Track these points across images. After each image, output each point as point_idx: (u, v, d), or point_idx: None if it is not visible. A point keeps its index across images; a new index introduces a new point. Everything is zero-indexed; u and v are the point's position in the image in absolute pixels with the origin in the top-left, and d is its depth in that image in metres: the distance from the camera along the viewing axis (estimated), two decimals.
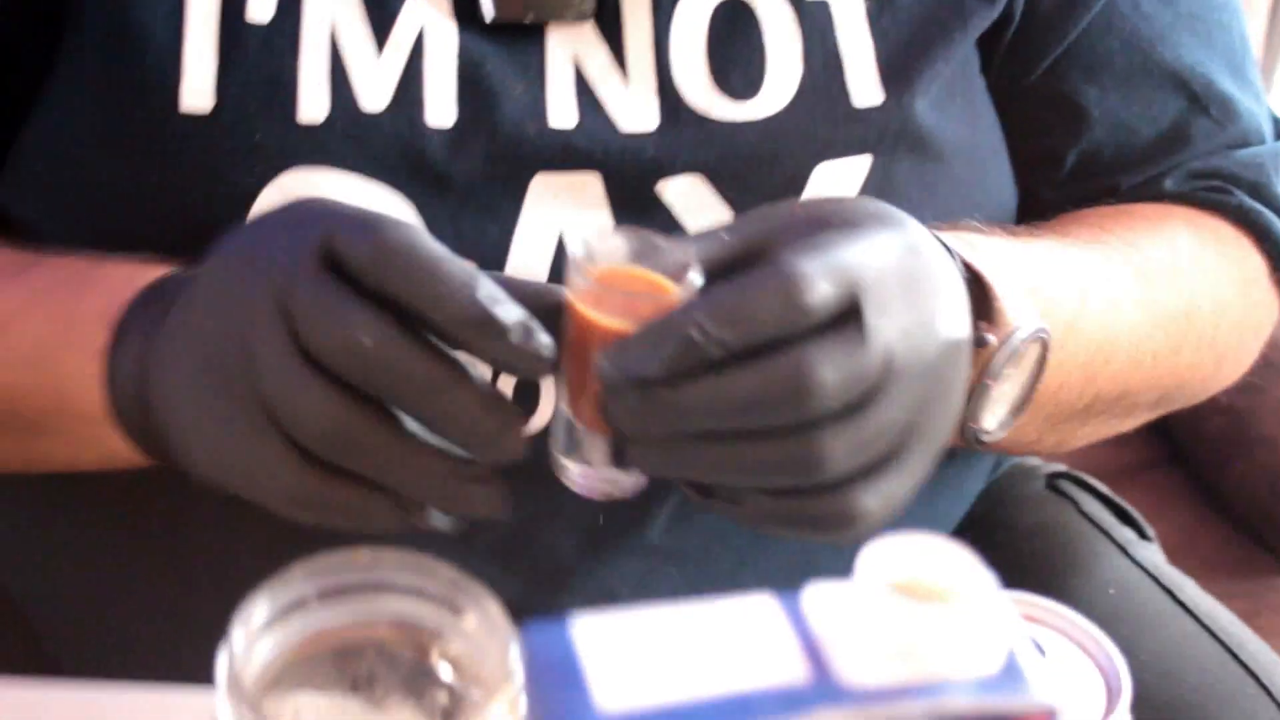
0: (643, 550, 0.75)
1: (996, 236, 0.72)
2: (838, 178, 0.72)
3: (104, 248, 0.69)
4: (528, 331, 0.57)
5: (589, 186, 0.71)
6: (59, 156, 0.73)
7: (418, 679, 0.55)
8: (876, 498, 0.59)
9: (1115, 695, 0.58)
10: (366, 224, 0.57)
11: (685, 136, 0.71)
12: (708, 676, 0.41)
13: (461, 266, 0.57)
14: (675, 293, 0.59)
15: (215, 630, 0.60)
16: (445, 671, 0.55)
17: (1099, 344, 0.75)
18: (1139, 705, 0.58)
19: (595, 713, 0.40)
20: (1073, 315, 0.73)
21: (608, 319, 0.59)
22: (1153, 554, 0.89)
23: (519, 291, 0.58)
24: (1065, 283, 0.74)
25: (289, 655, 0.53)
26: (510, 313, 0.57)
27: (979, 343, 0.65)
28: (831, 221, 0.60)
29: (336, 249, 0.57)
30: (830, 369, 0.56)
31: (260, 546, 0.66)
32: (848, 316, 0.57)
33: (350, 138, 0.69)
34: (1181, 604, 0.85)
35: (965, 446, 0.68)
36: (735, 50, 0.73)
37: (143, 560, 0.79)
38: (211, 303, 0.59)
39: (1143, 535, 0.91)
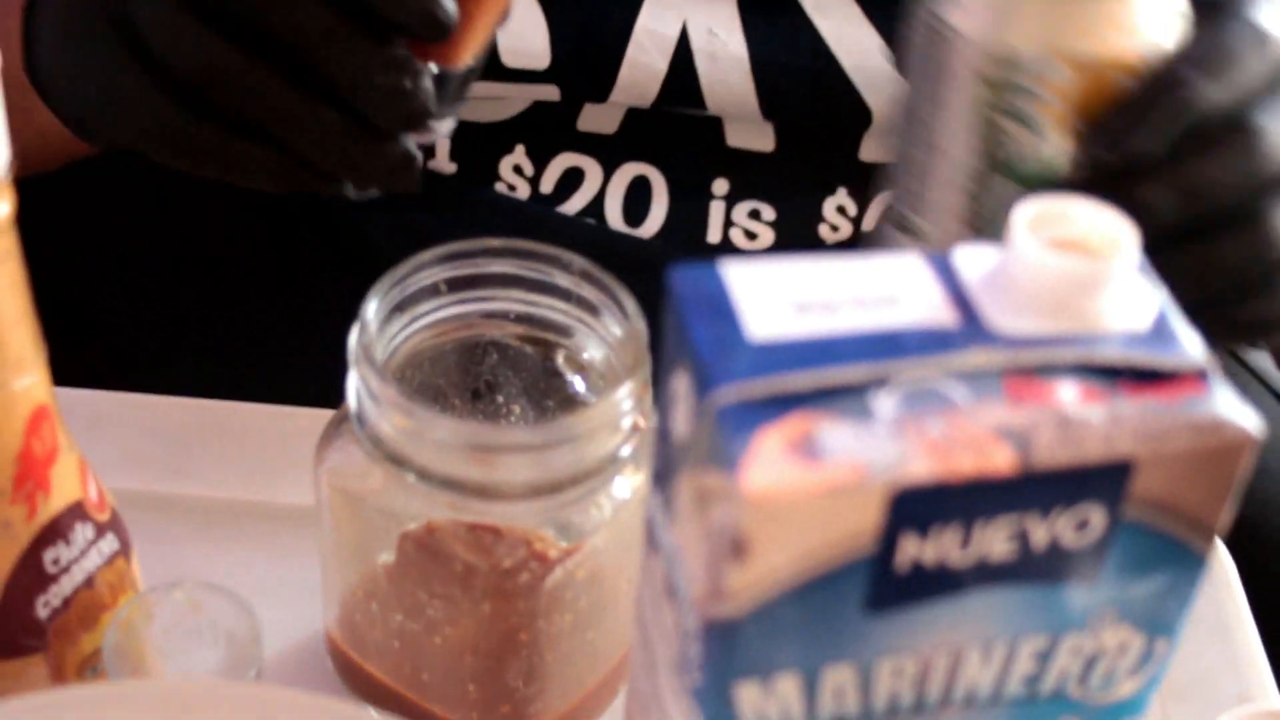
0: None
1: None
2: None
3: None
4: None
5: None
6: None
7: (540, 382, 0.55)
8: None
9: None
10: None
11: None
12: (857, 315, 0.41)
13: None
14: None
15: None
16: (571, 374, 0.55)
17: None
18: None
19: (746, 340, 0.40)
20: None
21: None
22: (1262, 359, 0.88)
23: None
24: None
25: (415, 343, 0.53)
26: None
27: None
28: None
29: None
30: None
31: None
32: None
33: None
34: None
35: None
36: None
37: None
38: None
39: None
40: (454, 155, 0.80)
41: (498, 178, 0.80)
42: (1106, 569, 0.41)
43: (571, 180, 0.79)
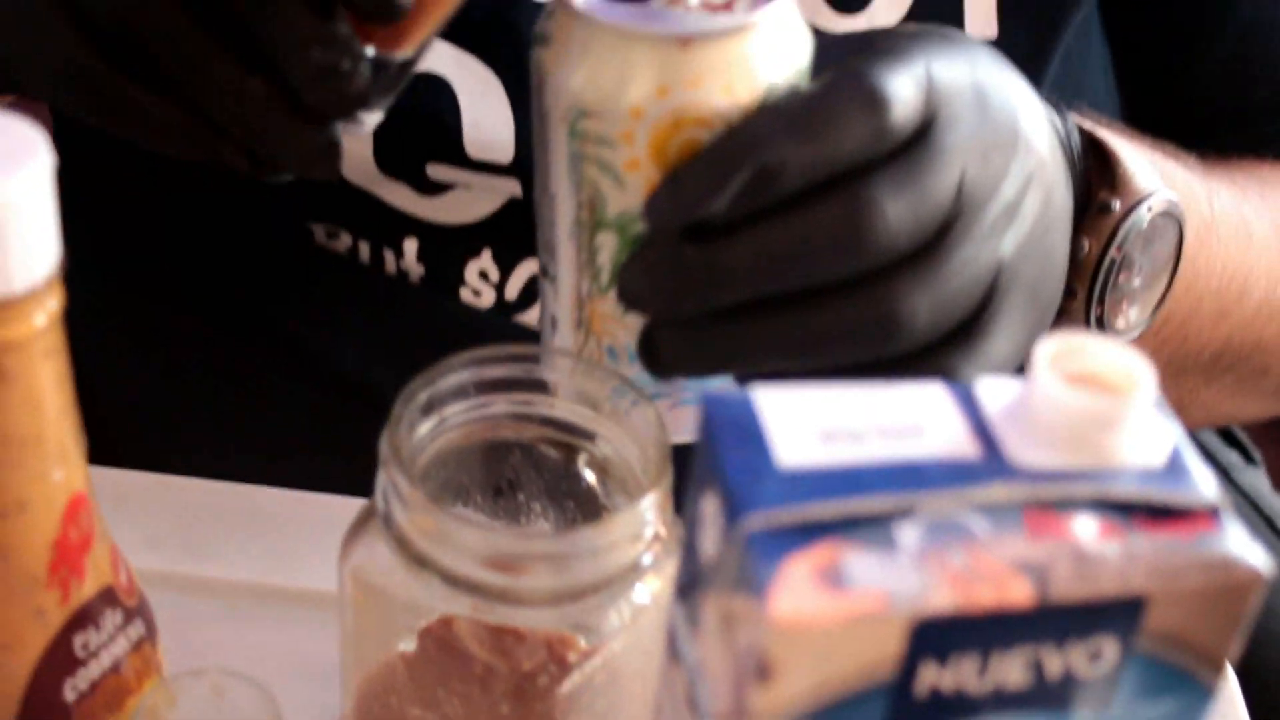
0: None
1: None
2: None
3: None
4: None
5: None
6: None
7: (562, 483, 0.57)
8: (971, 365, 0.52)
9: None
10: None
11: None
12: (883, 445, 0.42)
13: None
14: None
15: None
16: (591, 477, 0.57)
17: (1233, 271, 0.70)
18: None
19: (775, 467, 0.41)
20: (1204, 219, 0.67)
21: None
22: (1257, 480, 0.89)
23: None
24: (1193, 182, 0.68)
25: (443, 443, 0.55)
26: None
27: (1102, 208, 0.59)
28: (895, 37, 0.53)
29: None
30: (899, 199, 0.49)
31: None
32: (916, 135, 0.51)
33: None
34: None
35: None
36: None
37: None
38: None
39: (1249, 459, 0.90)
40: (421, 257, 0.78)
41: (463, 283, 0.78)
42: (1118, 697, 0.43)
43: (531, 288, 0.78)
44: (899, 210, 0.49)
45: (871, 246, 0.49)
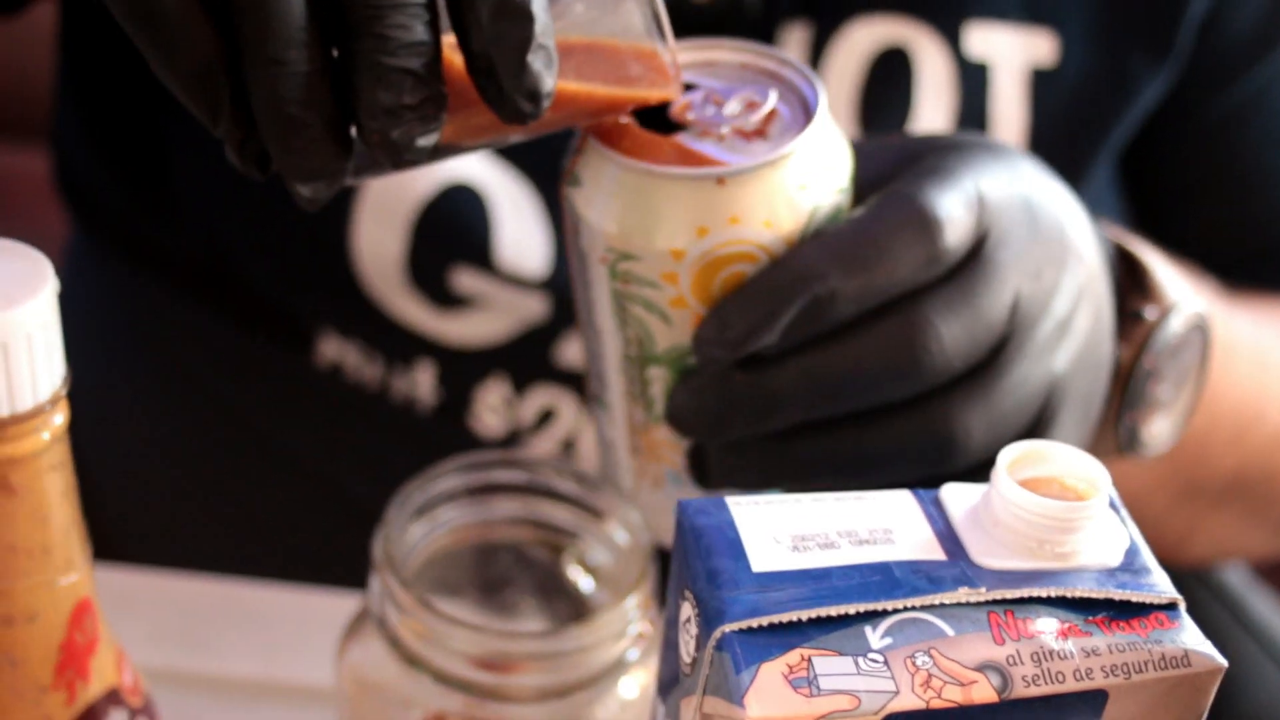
0: None
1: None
2: None
3: None
4: None
5: None
6: None
7: (549, 582, 0.59)
8: None
9: (812, 110, 0.52)
10: None
11: None
12: (853, 552, 0.44)
13: None
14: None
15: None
16: (577, 575, 0.58)
17: (1250, 394, 0.69)
18: None
19: (750, 574, 0.43)
20: (1223, 340, 0.65)
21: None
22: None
23: None
24: (1212, 302, 0.67)
25: (434, 545, 0.57)
26: None
27: (1134, 316, 0.58)
28: (940, 150, 0.52)
29: None
30: (954, 321, 0.49)
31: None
32: (968, 254, 0.50)
33: None
34: None
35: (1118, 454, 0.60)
36: (885, 95, 0.71)
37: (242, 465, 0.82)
38: None
39: None
40: (437, 380, 0.77)
41: (472, 409, 0.78)
42: None
43: (546, 417, 0.77)
44: (954, 332, 0.49)
45: (927, 370, 0.49)
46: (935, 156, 0.52)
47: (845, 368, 0.49)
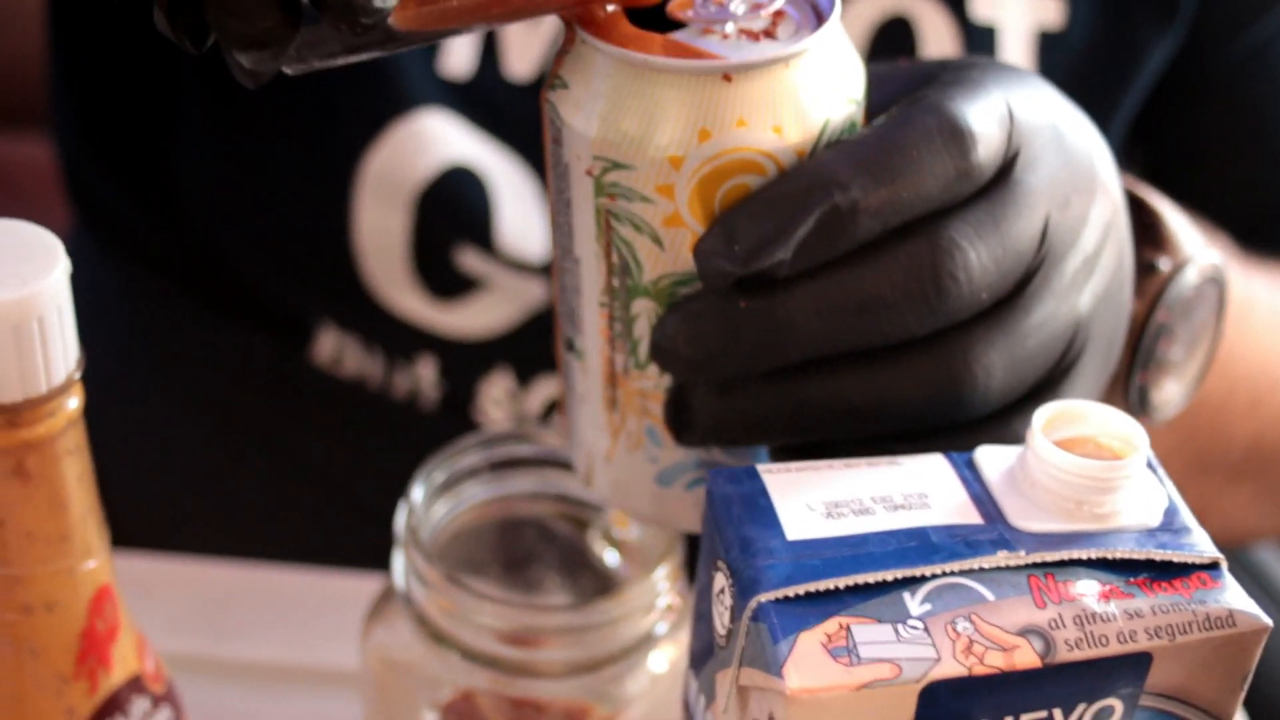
0: None
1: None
2: None
3: None
4: None
5: None
6: None
7: (574, 557, 0.58)
8: None
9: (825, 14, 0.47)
10: None
11: None
12: (889, 518, 0.43)
13: None
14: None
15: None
16: (602, 549, 0.58)
17: (1271, 358, 0.66)
18: None
19: (785, 543, 0.42)
20: (1240, 298, 0.60)
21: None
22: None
23: None
24: (1229, 259, 0.63)
25: (458, 522, 0.56)
26: None
27: (1148, 268, 0.54)
28: (963, 67, 0.48)
29: None
30: (983, 246, 0.45)
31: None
32: (997, 175, 0.46)
33: None
34: None
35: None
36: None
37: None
38: None
39: None
40: (439, 375, 0.77)
41: (476, 401, 0.77)
42: None
43: (552, 409, 0.76)
44: (982, 260, 0.44)
45: (953, 299, 0.44)
46: (958, 72, 0.47)
47: (863, 294, 0.44)
